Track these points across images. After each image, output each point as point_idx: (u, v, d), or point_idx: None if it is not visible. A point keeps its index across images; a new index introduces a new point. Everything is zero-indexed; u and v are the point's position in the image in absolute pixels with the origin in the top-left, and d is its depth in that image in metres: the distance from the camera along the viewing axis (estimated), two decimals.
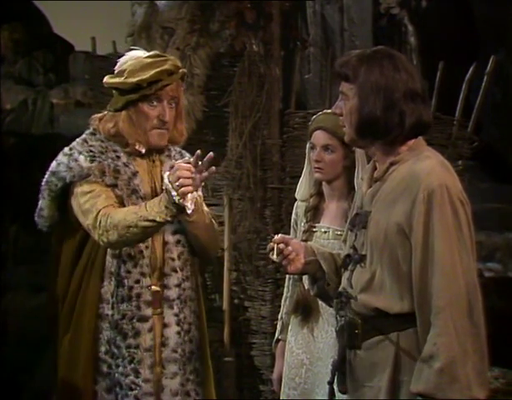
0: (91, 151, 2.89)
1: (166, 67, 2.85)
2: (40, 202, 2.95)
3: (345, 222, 3.20)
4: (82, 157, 2.87)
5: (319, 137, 3.28)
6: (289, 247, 2.48)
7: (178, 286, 2.91)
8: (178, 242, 2.92)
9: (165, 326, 2.88)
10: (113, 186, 2.86)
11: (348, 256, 2.46)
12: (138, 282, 2.86)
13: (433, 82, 4.89)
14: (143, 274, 2.86)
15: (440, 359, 2.22)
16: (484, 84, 4.87)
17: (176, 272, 2.90)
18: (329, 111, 3.48)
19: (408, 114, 2.36)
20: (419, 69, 5.23)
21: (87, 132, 2.97)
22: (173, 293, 2.89)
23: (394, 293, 2.33)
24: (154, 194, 2.89)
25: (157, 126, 2.88)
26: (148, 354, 2.85)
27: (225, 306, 4.94)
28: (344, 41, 5.19)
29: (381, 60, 2.36)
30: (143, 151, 2.92)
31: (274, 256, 2.47)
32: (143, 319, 2.85)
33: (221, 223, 4.99)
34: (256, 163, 5.18)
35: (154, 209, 2.74)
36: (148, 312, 2.87)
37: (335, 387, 2.46)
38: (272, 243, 2.49)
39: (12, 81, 6.65)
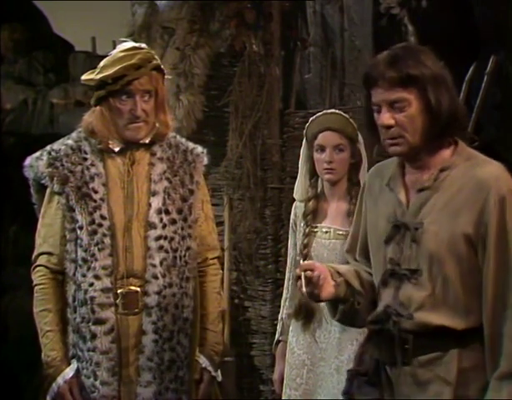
0: (56, 153, 2.89)
1: (132, 62, 2.81)
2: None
3: (347, 221, 3.21)
4: (45, 159, 2.89)
5: (330, 138, 3.27)
6: (316, 273, 2.29)
7: (159, 293, 2.85)
8: (161, 248, 2.86)
9: (143, 333, 2.85)
10: (58, 194, 2.86)
11: (391, 271, 2.28)
12: (91, 285, 2.82)
13: None
14: (96, 277, 2.82)
15: None
16: (484, 84, 4.87)
17: (157, 278, 2.85)
18: (330, 111, 3.50)
19: (462, 108, 2.27)
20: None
21: (77, 129, 2.97)
22: (151, 300, 2.84)
23: (459, 308, 2.21)
24: (126, 194, 2.87)
25: (130, 120, 2.85)
26: (104, 357, 2.81)
27: (225, 306, 4.94)
28: (344, 41, 5.19)
29: (424, 53, 2.23)
30: (116, 149, 2.89)
31: (303, 288, 2.28)
32: (99, 322, 2.81)
33: (221, 223, 4.99)
34: (256, 163, 5.19)
35: (46, 349, 2.84)
36: (106, 314, 2.82)
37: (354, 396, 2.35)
38: (298, 271, 2.30)
39: (12, 81, 6.65)
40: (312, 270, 2.29)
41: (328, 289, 2.31)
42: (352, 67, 5.15)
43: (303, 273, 2.28)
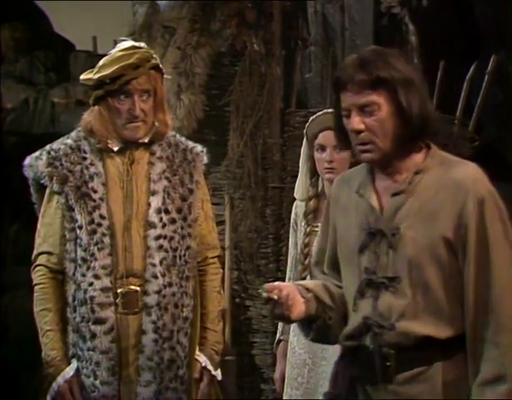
0: (55, 152, 2.89)
1: (130, 61, 2.80)
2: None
3: None
4: (44, 158, 2.89)
5: (330, 138, 3.25)
6: (284, 293, 2.15)
7: (158, 292, 2.84)
8: (161, 247, 2.86)
9: (143, 333, 2.84)
10: (58, 193, 2.86)
11: (368, 281, 2.17)
12: (91, 284, 2.82)
13: (434, 82, 4.89)
14: (96, 276, 2.82)
15: (509, 380, 2.04)
16: (485, 83, 4.88)
17: (156, 278, 2.84)
18: (331, 110, 3.50)
19: (433, 111, 2.19)
20: (419, 68, 5.23)
21: (76, 129, 2.97)
22: (151, 300, 2.84)
23: (443, 316, 2.11)
24: (125, 194, 2.87)
25: (128, 120, 2.85)
26: (104, 356, 2.81)
27: (226, 305, 4.94)
28: (345, 40, 5.19)
29: (394, 56, 2.15)
30: (115, 149, 2.89)
31: (273, 310, 2.16)
32: (98, 321, 2.81)
33: (222, 222, 5.00)
34: (257, 162, 5.19)
35: (46, 348, 2.84)
36: (105, 313, 2.82)
37: None
38: (264, 294, 2.15)
39: (13, 80, 6.64)
40: (280, 290, 2.15)
41: (299, 308, 2.18)
42: None
43: (266, 295, 2.14)
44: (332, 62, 5.23)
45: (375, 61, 2.12)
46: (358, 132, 2.15)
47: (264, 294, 2.16)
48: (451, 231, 2.10)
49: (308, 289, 2.22)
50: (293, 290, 2.18)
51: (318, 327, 2.24)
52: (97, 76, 2.84)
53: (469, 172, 2.13)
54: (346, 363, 2.21)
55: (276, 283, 2.19)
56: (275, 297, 2.14)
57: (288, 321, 2.23)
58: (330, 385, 2.29)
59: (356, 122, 2.14)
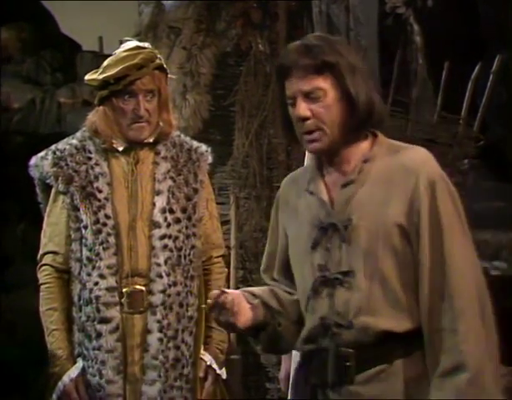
0: (60, 152, 2.90)
1: (134, 62, 2.81)
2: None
3: None
4: (49, 158, 2.91)
5: None
6: (229, 298, 2.05)
7: (163, 292, 2.85)
8: (165, 247, 2.87)
9: (148, 332, 2.85)
10: (63, 193, 2.87)
11: (321, 278, 2.06)
12: (96, 284, 2.84)
13: (439, 82, 4.91)
14: (101, 276, 2.83)
15: (469, 369, 1.94)
16: (489, 83, 4.89)
17: (161, 277, 2.85)
18: None
19: (379, 100, 2.09)
20: (424, 69, 5.25)
21: (81, 129, 2.98)
22: (156, 299, 2.85)
23: (401, 308, 2.01)
24: (130, 194, 2.88)
25: (133, 120, 2.85)
26: (110, 355, 2.82)
27: None
28: (350, 40, 5.19)
29: (339, 42, 2.09)
30: (120, 149, 2.90)
31: (218, 317, 2.06)
32: (104, 321, 2.82)
33: (227, 222, 5.01)
34: (262, 162, 5.20)
35: (52, 347, 2.84)
36: (111, 313, 2.83)
37: None
38: (209, 301, 2.07)
39: (19, 80, 6.67)
40: (224, 297, 2.06)
41: (246, 315, 2.07)
42: None
43: (210, 301, 2.06)
44: None
45: (320, 46, 2.03)
46: (304, 119, 2.04)
47: (209, 301, 2.07)
48: (404, 217, 2.00)
49: (254, 295, 2.13)
50: (239, 296, 2.09)
51: (268, 335, 2.13)
52: (101, 76, 2.85)
53: (418, 156, 2.05)
54: (305, 370, 2.12)
55: (221, 290, 2.10)
56: (221, 301, 2.04)
57: (234, 329, 2.11)
58: (291, 393, 2.21)
59: (302, 108, 2.04)
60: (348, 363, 2.02)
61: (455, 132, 4.86)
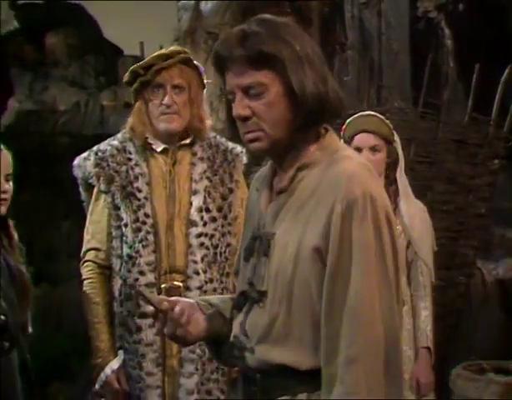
0: (102, 153, 2.98)
1: (161, 52, 2.90)
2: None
3: None
4: (92, 159, 2.98)
5: (366, 140, 3.30)
6: (177, 309, 1.82)
7: (200, 288, 2.89)
8: (202, 244, 2.91)
9: None
10: (105, 193, 2.94)
11: (242, 293, 1.82)
12: (136, 280, 2.88)
13: (469, 84, 4.96)
14: (141, 272, 2.88)
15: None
16: None
17: (198, 274, 2.89)
18: (366, 113, 3.58)
19: (334, 90, 1.77)
20: (455, 72, 5.29)
21: (122, 130, 3.05)
22: (193, 295, 2.84)
23: (306, 343, 1.73)
24: (168, 193, 2.94)
25: (162, 111, 2.90)
26: (149, 349, 2.87)
27: None
28: (382, 44, 5.22)
29: (285, 26, 1.78)
30: (158, 149, 2.95)
31: (164, 329, 1.82)
32: (144, 315, 2.82)
33: None
34: None
35: (94, 340, 2.92)
36: (150, 308, 2.91)
37: None
38: (151, 308, 1.84)
39: (65, 83, 6.81)
40: (172, 307, 1.83)
41: (198, 326, 1.83)
42: (389, 70, 5.19)
43: (153, 308, 1.84)
44: (369, 66, 5.28)
45: (259, 33, 1.73)
46: (244, 118, 1.75)
47: (151, 308, 1.84)
48: (320, 238, 1.70)
49: (211, 304, 1.89)
50: (192, 306, 1.84)
51: (229, 347, 1.85)
52: (132, 67, 2.93)
53: (347, 170, 1.72)
54: (232, 389, 2.01)
55: (170, 298, 1.87)
56: (164, 308, 1.81)
57: (184, 342, 1.88)
58: None
59: (241, 106, 1.75)
60: (254, 388, 1.79)
61: (486, 133, 4.90)
